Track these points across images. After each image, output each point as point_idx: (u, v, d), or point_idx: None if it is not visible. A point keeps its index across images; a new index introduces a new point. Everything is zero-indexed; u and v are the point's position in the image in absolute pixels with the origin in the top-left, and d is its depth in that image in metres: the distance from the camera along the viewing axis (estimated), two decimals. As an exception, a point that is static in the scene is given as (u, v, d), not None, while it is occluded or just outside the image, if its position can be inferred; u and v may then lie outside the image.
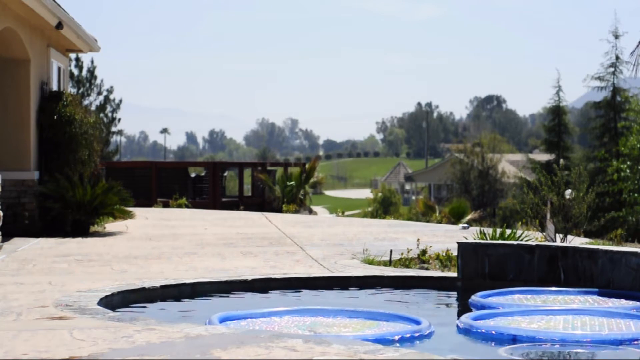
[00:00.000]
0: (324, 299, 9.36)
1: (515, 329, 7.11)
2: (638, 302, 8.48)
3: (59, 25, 16.64)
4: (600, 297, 8.91)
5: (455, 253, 11.15)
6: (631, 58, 14.54)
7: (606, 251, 9.35)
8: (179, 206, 25.86)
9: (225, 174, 35.56)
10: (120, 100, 49.56)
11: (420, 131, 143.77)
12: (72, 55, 40.24)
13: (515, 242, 10.31)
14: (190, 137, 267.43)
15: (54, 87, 18.13)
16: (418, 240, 13.11)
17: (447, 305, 9.69)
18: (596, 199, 15.27)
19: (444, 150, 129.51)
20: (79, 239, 15.09)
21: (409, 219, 33.37)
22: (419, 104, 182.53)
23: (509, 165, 63.59)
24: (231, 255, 12.45)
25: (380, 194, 60.81)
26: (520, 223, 19.03)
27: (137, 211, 21.06)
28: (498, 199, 55.04)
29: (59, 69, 18.93)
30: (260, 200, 31.48)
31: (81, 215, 16.18)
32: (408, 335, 6.93)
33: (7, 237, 14.47)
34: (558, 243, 12.06)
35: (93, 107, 44.45)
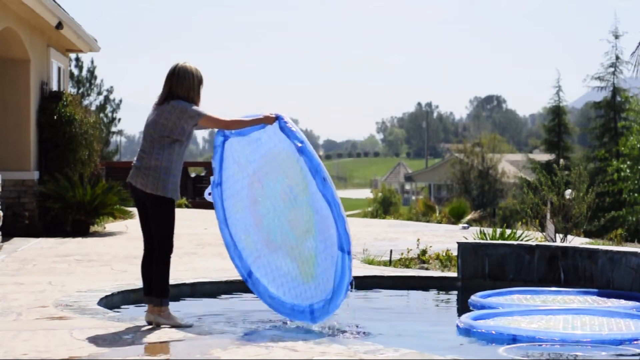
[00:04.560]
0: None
1: (515, 329, 7.11)
2: (638, 302, 8.48)
3: (59, 25, 16.63)
4: (600, 297, 8.91)
5: (455, 253, 11.15)
6: (631, 58, 14.58)
7: (606, 251, 9.35)
8: (179, 206, 25.85)
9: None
10: (120, 100, 49.51)
11: (420, 131, 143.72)
12: (72, 55, 40.25)
13: (515, 242, 10.31)
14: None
15: (54, 87, 18.12)
16: (418, 240, 13.11)
17: (447, 305, 9.69)
18: (596, 199, 15.27)
19: (444, 150, 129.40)
20: (79, 239, 15.09)
21: (409, 219, 33.35)
22: (419, 104, 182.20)
23: (509, 165, 63.57)
24: (231, 255, 12.43)
25: (380, 194, 60.68)
26: (520, 223, 19.03)
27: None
28: (498, 199, 54.99)
29: (59, 69, 18.93)
30: (261, 200, 31.42)
31: (81, 215, 16.18)
32: None
33: (7, 237, 14.47)
34: (558, 243, 12.06)
35: (93, 107, 44.35)
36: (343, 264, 6.80)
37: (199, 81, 6.83)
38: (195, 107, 6.74)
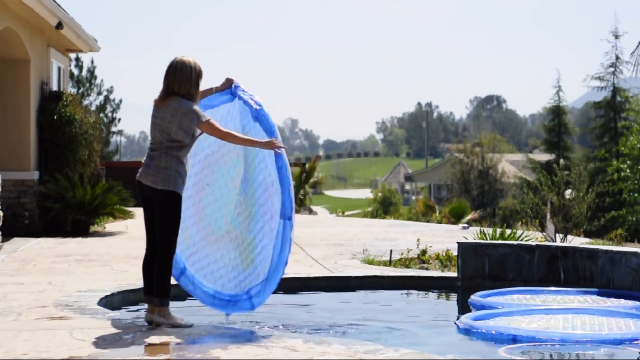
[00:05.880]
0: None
1: (515, 328, 7.11)
2: (638, 302, 8.48)
3: (59, 25, 16.63)
4: (600, 297, 8.91)
5: (455, 253, 11.15)
6: (631, 58, 14.58)
7: (606, 251, 9.35)
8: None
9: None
10: (120, 100, 49.48)
11: (420, 131, 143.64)
12: (72, 55, 40.22)
13: (515, 242, 10.32)
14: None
15: (54, 87, 18.12)
16: (418, 240, 13.11)
17: (447, 305, 9.69)
18: (596, 199, 15.26)
19: (444, 150, 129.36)
20: (79, 239, 15.09)
21: (409, 219, 33.30)
22: (419, 104, 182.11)
23: (509, 165, 63.53)
24: (231, 255, 12.43)
25: (380, 194, 60.67)
26: (520, 223, 19.03)
27: (137, 211, 21.07)
28: (498, 199, 54.96)
29: (59, 69, 18.93)
30: (260, 200, 31.38)
31: (81, 215, 16.18)
32: None
33: (7, 237, 14.47)
34: (558, 243, 12.06)
35: (93, 107, 44.30)
36: (284, 234, 6.77)
37: (197, 75, 6.73)
38: (195, 109, 6.63)
